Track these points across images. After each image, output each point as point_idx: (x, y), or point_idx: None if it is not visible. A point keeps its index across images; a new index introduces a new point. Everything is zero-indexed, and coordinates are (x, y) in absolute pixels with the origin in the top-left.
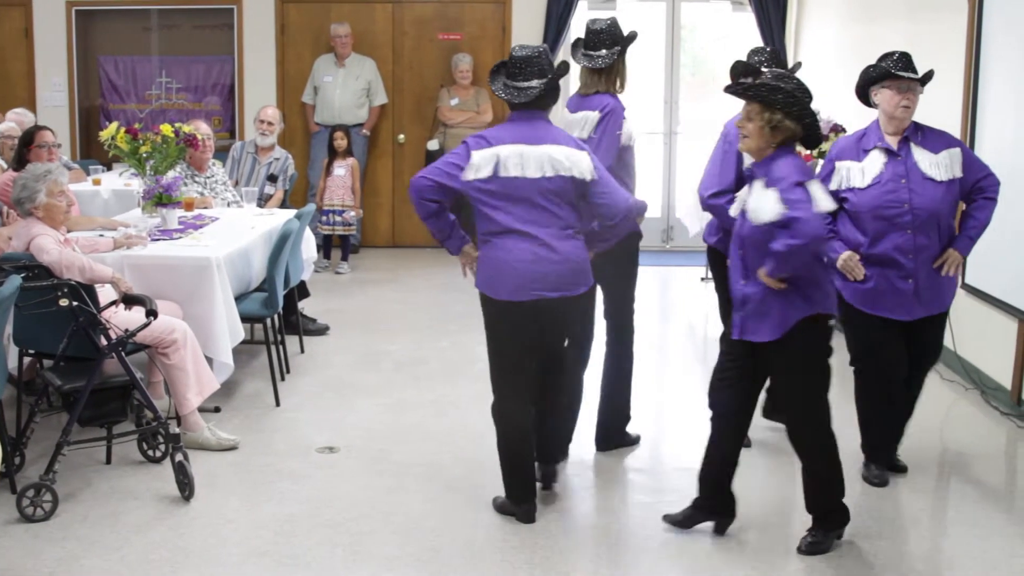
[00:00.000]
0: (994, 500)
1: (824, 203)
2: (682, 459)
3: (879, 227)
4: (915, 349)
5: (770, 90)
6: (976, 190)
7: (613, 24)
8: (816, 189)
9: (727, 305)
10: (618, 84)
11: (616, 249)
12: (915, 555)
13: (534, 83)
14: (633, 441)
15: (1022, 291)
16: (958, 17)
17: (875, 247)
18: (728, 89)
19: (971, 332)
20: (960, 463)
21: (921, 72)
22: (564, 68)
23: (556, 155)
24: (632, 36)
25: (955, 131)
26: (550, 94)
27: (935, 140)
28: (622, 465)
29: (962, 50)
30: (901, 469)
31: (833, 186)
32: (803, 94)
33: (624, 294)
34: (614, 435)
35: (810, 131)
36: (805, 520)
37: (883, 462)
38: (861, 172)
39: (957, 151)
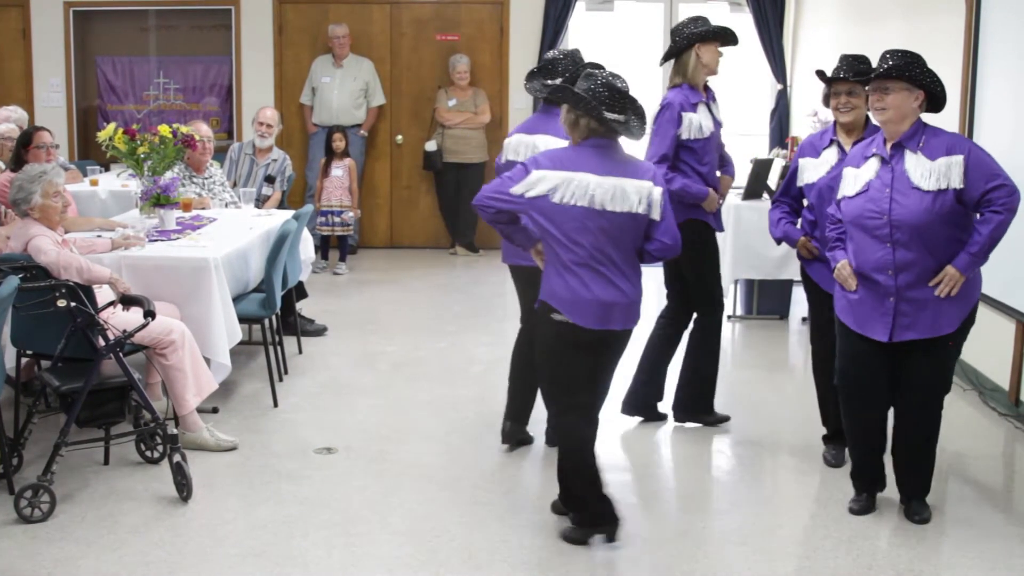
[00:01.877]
0: (992, 501)
1: (522, 188)
2: (678, 460)
3: (860, 239)
4: (911, 379)
5: (562, 87)
6: (984, 202)
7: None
8: (534, 174)
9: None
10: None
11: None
12: (914, 556)
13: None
14: (660, 416)
15: (1020, 292)
16: (956, 18)
17: (856, 260)
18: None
19: (969, 333)
20: (958, 464)
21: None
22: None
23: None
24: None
25: (952, 131)
26: None
27: (937, 146)
28: (618, 467)
29: (960, 50)
30: (924, 519)
31: (839, 193)
32: (592, 93)
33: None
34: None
35: (607, 129)
36: (807, 524)
37: (867, 490)
38: (855, 179)
39: (959, 159)
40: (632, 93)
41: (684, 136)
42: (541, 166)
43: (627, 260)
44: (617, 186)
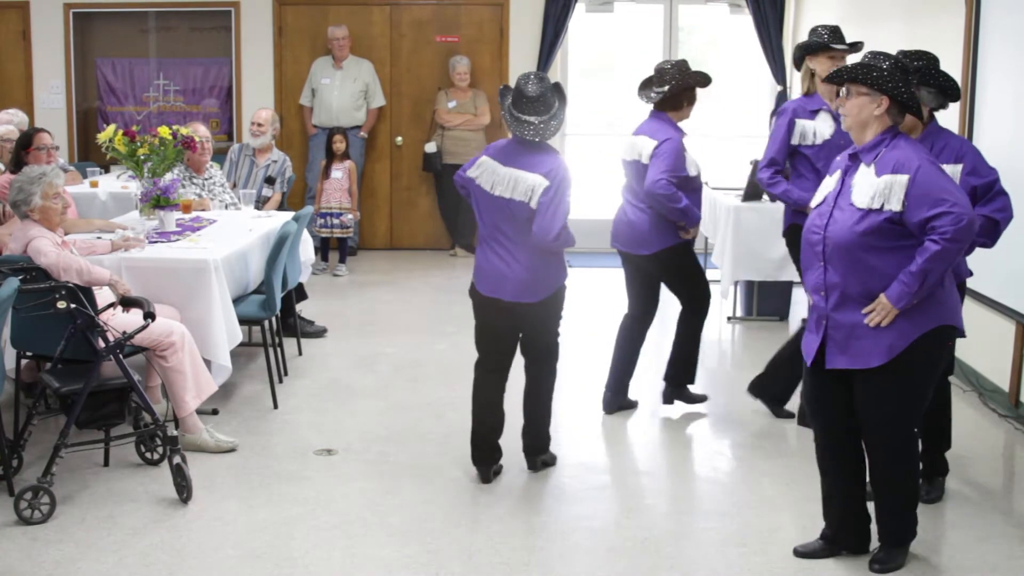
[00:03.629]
0: (992, 502)
1: (471, 170)
2: (679, 461)
3: (805, 254)
4: (860, 411)
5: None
6: (927, 229)
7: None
8: (481, 159)
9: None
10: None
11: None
12: (913, 557)
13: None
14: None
15: (1020, 293)
16: (956, 18)
17: (803, 276)
18: None
19: (969, 334)
20: (958, 465)
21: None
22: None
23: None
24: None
25: (915, 146)
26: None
27: (888, 161)
28: (620, 468)
29: (959, 52)
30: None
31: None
32: (508, 101)
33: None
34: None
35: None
36: (807, 525)
37: (832, 528)
38: (822, 190)
39: (903, 179)
40: (543, 98)
41: (795, 142)
42: (486, 152)
43: (519, 241)
44: (512, 176)
